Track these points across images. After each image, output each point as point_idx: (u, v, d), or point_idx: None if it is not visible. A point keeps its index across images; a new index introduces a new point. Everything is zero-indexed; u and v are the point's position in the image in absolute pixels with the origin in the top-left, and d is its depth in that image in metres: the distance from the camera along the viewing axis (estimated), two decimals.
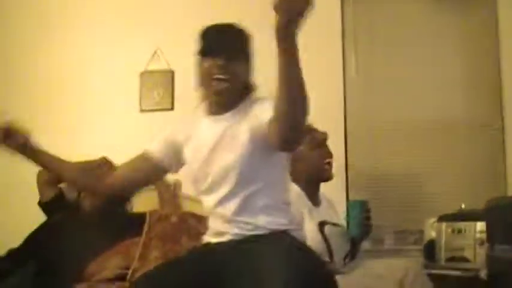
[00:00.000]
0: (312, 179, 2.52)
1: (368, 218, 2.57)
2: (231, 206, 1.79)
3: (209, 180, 1.84)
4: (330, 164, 2.52)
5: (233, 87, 1.83)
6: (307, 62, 3.58)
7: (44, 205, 3.23)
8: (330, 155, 2.54)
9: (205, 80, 1.86)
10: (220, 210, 1.83)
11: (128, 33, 3.71)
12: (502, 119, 3.39)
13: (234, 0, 3.62)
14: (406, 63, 3.53)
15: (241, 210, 1.79)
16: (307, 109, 1.51)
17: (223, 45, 1.83)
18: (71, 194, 3.27)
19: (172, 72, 3.61)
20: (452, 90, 3.49)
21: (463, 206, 2.85)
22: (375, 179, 3.47)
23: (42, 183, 3.22)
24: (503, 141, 3.38)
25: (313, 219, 2.39)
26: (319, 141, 2.52)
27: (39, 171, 3.23)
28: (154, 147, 1.97)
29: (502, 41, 3.45)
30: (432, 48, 3.51)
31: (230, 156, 1.79)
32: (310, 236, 2.27)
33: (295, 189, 2.40)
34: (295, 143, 1.64)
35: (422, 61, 3.51)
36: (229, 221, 1.81)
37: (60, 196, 3.25)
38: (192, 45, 3.60)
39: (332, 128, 3.31)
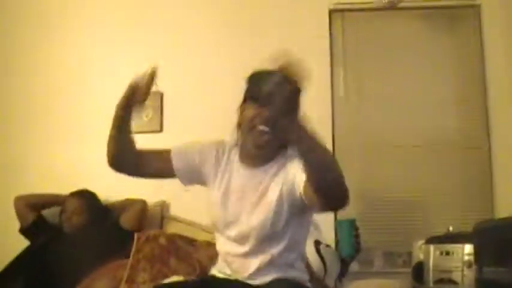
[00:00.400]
0: None
1: (357, 236, 2.59)
2: (251, 265, 1.78)
3: (232, 232, 1.81)
4: None
5: (275, 142, 1.78)
6: None
7: (25, 231, 3.21)
8: None
9: (247, 127, 1.79)
10: (238, 263, 1.81)
11: (117, 54, 3.71)
12: (489, 141, 3.43)
13: (220, 25, 3.66)
14: (395, 83, 3.58)
15: (259, 270, 1.77)
16: (342, 181, 1.52)
17: (275, 97, 1.57)
18: (52, 218, 3.26)
19: (161, 94, 3.61)
20: (441, 111, 3.53)
21: (451, 228, 2.86)
22: (363, 200, 3.45)
23: (21, 209, 3.21)
24: (490, 164, 3.41)
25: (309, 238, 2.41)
26: None
27: (16, 197, 3.22)
28: (177, 158, 1.94)
29: (487, 62, 3.51)
30: (421, 68, 3.57)
31: (258, 216, 1.76)
32: (309, 254, 2.30)
33: None
34: (343, 205, 1.58)
35: (411, 81, 3.56)
36: (247, 277, 1.78)
37: (40, 220, 3.23)
38: (181, 67, 3.65)
39: None
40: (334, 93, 3.55)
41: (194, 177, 1.93)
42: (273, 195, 1.76)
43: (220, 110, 3.51)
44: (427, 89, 3.54)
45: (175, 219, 3.38)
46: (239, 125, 1.85)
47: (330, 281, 2.49)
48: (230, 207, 1.82)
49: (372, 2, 3.42)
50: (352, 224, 2.66)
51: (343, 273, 2.63)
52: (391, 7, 3.35)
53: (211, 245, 2.98)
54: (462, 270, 2.55)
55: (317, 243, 2.47)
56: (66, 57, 3.77)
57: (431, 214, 3.40)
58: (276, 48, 1.64)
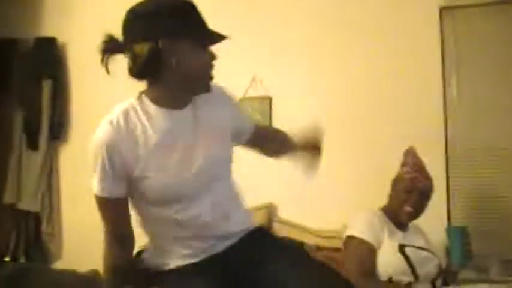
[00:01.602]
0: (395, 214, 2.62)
1: (468, 244, 2.52)
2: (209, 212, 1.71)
3: (190, 186, 1.67)
4: (409, 212, 2.58)
5: None
6: (406, 83, 3.56)
7: None
8: (412, 204, 2.58)
9: (203, 73, 1.69)
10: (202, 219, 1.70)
11: (227, 61, 3.80)
12: None
13: (328, 27, 3.64)
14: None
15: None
16: None
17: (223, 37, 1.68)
18: None
19: (270, 99, 3.67)
20: None
21: None
22: (479, 204, 3.32)
23: None
24: None
25: (393, 241, 2.48)
26: (411, 188, 2.59)
27: None
28: (110, 190, 1.66)
29: None
30: None
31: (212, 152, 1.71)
32: (388, 254, 2.43)
33: (376, 211, 2.61)
34: None
35: None
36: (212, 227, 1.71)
37: None
38: (289, 72, 3.68)
39: (432, 152, 3.25)
40: (446, 95, 3.42)
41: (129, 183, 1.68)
42: (223, 132, 1.79)
43: (329, 112, 3.53)
44: None
45: (283, 222, 3.40)
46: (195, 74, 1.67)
47: (425, 285, 2.43)
48: (181, 159, 1.67)
49: None
50: (463, 231, 2.58)
51: (447, 281, 2.54)
52: (509, 1, 3.17)
53: (320, 249, 2.99)
54: None
55: (402, 247, 2.46)
56: None
57: None
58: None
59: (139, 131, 1.62)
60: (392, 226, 2.56)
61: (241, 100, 3.69)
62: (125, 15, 1.63)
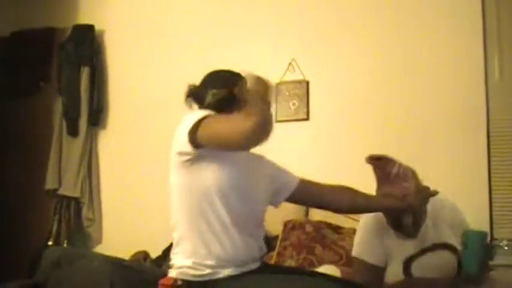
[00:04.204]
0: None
1: (486, 255, 2.19)
2: None
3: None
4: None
5: None
6: (447, 64, 3.48)
7: None
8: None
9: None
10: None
11: (264, 46, 3.79)
12: None
13: (361, 9, 3.59)
14: None
15: None
16: None
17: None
18: None
19: (307, 83, 3.64)
20: None
21: None
22: None
23: None
24: None
25: (398, 258, 2.20)
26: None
27: None
28: None
29: None
30: None
31: None
32: (393, 275, 2.18)
33: (377, 220, 2.26)
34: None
35: None
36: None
37: None
38: (325, 56, 3.65)
39: (473, 135, 3.18)
40: (488, 76, 3.32)
41: None
42: None
43: (366, 96, 3.49)
44: None
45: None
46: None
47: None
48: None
49: None
50: (482, 237, 2.22)
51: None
52: None
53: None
54: None
55: (408, 262, 2.19)
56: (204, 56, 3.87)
57: None
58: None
59: None
60: (396, 239, 2.24)
61: (279, 85, 3.68)
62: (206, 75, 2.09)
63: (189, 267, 1.81)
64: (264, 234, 2.04)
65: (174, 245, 1.91)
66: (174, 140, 1.85)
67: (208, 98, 1.98)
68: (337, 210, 2.33)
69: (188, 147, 1.78)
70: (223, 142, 1.74)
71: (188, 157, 1.81)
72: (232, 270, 1.81)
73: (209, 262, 1.80)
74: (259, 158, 2.07)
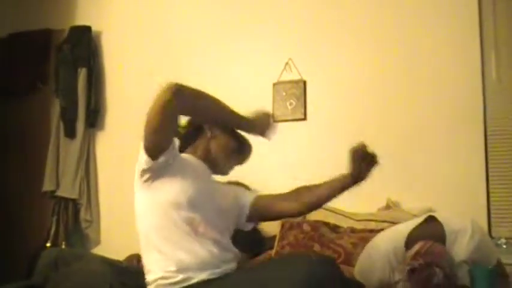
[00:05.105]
0: None
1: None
2: None
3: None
4: None
5: None
6: (445, 65, 3.48)
7: None
8: None
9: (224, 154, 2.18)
10: None
11: (261, 45, 3.80)
12: None
13: (360, 8, 3.59)
14: None
15: None
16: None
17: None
18: None
19: (304, 82, 3.64)
20: None
21: None
22: None
23: None
24: None
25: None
26: None
27: None
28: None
29: None
30: None
31: None
32: None
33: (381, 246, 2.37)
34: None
35: None
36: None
37: None
38: (322, 55, 3.65)
39: (471, 135, 3.19)
40: (485, 76, 3.32)
41: None
42: None
43: (363, 95, 3.49)
44: None
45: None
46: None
47: None
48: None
49: None
50: (489, 274, 2.10)
51: None
52: None
53: (355, 231, 2.97)
54: None
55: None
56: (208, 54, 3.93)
57: None
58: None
59: None
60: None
61: (276, 85, 3.68)
62: None
63: (161, 278, 1.87)
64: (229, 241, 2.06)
65: (145, 265, 1.96)
66: (136, 165, 1.98)
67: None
68: (292, 215, 2.30)
69: (148, 162, 1.95)
70: (151, 123, 2.02)
71: (149, 175, 1.95)
72: (203, 276, 1.85)
73: (177, 271, 1.86)
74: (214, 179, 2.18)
